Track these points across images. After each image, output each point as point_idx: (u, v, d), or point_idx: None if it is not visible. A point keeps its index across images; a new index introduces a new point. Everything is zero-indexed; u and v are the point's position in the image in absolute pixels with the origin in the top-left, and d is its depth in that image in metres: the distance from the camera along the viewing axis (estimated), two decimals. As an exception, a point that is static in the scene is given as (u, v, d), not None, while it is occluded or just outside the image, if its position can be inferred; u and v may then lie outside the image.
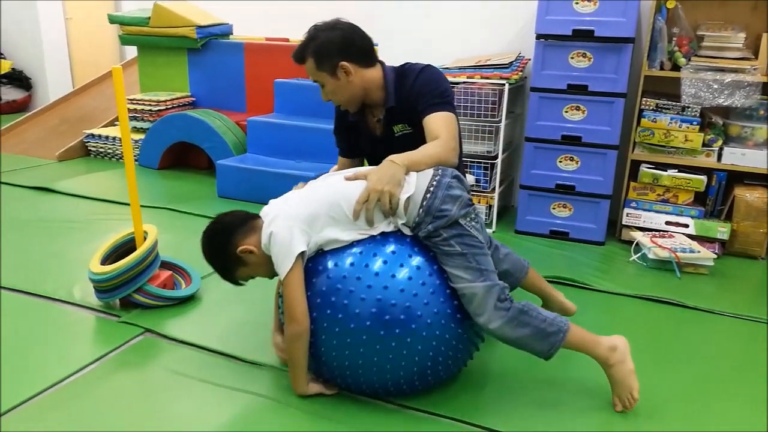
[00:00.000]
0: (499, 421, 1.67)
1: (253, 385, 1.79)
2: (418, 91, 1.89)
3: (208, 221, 1.81)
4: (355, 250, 1.64)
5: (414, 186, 1.66)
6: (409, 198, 1.64)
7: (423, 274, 1.62)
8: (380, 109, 1.99)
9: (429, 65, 1.96)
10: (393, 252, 1.63)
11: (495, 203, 3.23)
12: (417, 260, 1.64)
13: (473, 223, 1.67)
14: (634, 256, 2.91)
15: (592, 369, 1.76)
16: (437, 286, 1.63)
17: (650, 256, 2.80)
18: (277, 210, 1.68)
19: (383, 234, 1.66)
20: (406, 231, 1.68)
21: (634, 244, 2.96)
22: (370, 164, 2.15)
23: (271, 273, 1.72)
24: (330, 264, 1.63)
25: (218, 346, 1.99)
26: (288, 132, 3.74)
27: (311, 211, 1.64)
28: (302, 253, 1.60)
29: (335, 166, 2.17)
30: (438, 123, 1.84)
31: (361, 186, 1.66)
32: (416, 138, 1.91)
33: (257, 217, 1.73)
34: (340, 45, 1.86)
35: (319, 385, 1.75)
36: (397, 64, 2.01)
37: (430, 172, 1.70)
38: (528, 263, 2.10)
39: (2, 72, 6.10)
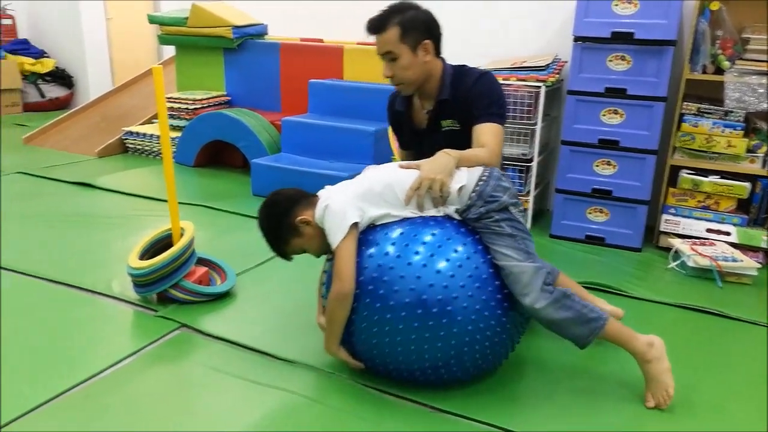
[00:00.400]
0: (528, 421, 1.66)
1: (287, 383, 1.81)
2: (477, 94, 1.93)
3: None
4: (393, 237, 1.69)
5: (466, 178, 1.74)
6: (461, 187, 1.72)
7: (461, 258, 1.66)
8: (430, 102, 2.03)
9: (489, 71, 2.01)
10: (431, 238, 1.67)
11: (530, 207, 3.20)
12: (455, 246, 1.67)
13: (521, 215, 1.76)
14: (673, 264, 2.85)
15: (626, 363, 1.77)
16: (474, 269, 1.66)
17: (690, 264, 2.74)
18: (333, 189, 1.80)
19: (423, 220, 1.72)
20: (455, 216, 1.75)
21: (672, 251, 2.90)
22: (411, 157, 2.17)
23: (322, 248, 1.82)
24: (368, 252, 1.69)
25: (252, 342, 2.01)
26: (322, 132, 3.76)
27: (365, 191, 1.74)
28: (355, 224, 1.68)
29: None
30: (488, 132, 1.89)
31: (414, 174, 1.73)
32: (462, 136, 1.96)
33: (315, 195, 1.83)
34: (428, 24, 1.93)
35: (347, 354, 1.80)
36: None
37: (480, 168, 1.78)
38: (558, 270, 2.09)
39: (46, 70, 6.27)
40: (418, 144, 2.10)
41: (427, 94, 2.03)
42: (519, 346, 1.90)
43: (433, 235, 1.68)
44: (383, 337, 1.67)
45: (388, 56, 1.92)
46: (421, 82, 1.97)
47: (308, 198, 1.82)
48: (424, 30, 1.92)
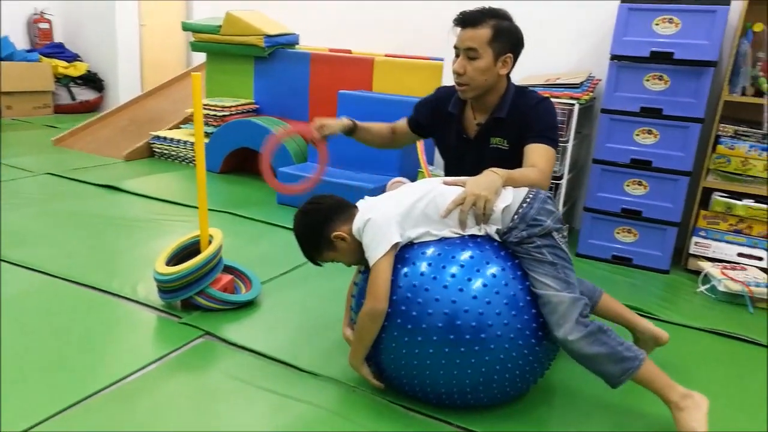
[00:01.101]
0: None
1: (310, 396, 1.78)
2: (536, 116, 1.90)
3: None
4: (429, 256, 1.65)
5: (511, 197, 1.69)
6: (505, 207, 1.68)
7: (498, 284, 1.62)
8: (483, 115, 1.99)
9: (549, 98, 2.00)
10: (468, 260, 1.64)
11: (557, 225, 3.15)
12: (493, 270, 1.63)
13: (564, 240, 1.70)
14: (702, 287, 2.79)
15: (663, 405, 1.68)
16: (511, 297, 1.62)
17: (720, 288, 2.67)
18: (374, 202, 1.77)
19: (461, 240, 1.69)
20: (496, 237, 1.70)
21: (702, 275, 2.83)
22: (447, 165, 2.15)
23: (355, 261, 1.80)
24: (403, 271, 1.66)
25: (276, 353, 1.99)
26: (349, 143, 3.70)
27: (407, 207, 1.70)
28: (396, 244, 1.65)
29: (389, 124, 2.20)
30: (541, 154, 1.85)
31: (458, 190, 1.70)
32: (508, 156, 1.93)
33: (354, 206, 1.79)
34: (518, 40, 1.92)
35: (369, 372, 1.78)
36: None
37: (526, 188, 1.74)
38: (601, 289, 2.05)
39: (79, 74, 6.37)
40: (459, 155, 2.05)
41: (483, 107, 1.98)
42: (550, 371, 1.85)
43: (472, 258, 1.63)
44: (412, 359, 1.64)
45: (470, 53, 1.86)
46: (485, 91, 1.93)
47: (348, 210, 1.78)
48: (513, 44, 1.89)
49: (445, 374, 1.62)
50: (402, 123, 2.18)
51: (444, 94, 2.08)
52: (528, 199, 1.68)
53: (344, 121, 2.05)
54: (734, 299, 2.66)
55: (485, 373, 1.61)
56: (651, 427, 1.75)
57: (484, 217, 1.67)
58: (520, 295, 1.63)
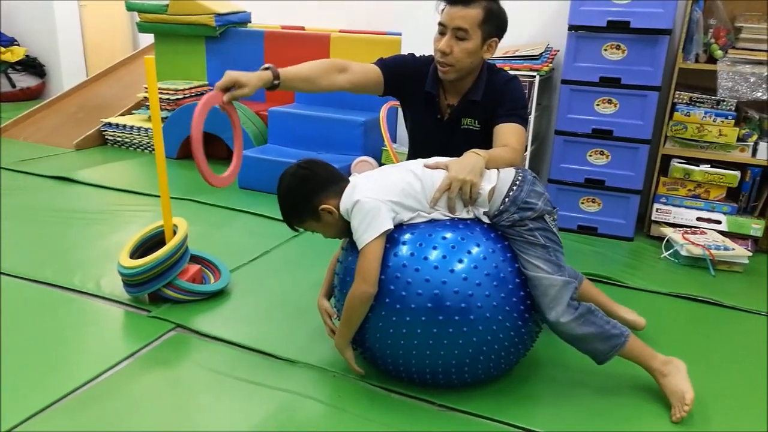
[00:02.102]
0: (548, 421, 1.64)
1: (288, 383, 1.77)
2: (506, 95, 1.89)
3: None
4: (418, 236, 1.63)
5: (496, 178, 1.67)
6: (493, 188, 1.66)
7: (488, 265, 1.61)
8: (455, 96, 1.95)
9: (516, 76, 1.98)
10: (459, 241, 1.62)
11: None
12: (483, 252, 1.62)
13: (555, 223, 1.70)
14: (665, 253, 2.86)
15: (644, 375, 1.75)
16: (501, 279, 1.62)
17: (683, 253, 2.75)
18: (365, 180, 1.69)
19: (449, 222, 1.67)
20: (485, 219, 1.69)
21: (665, 241, 2.91)
22: (414, 142, 2.09)
23: (336, 235, 1.76)
24: (392, 251, 1.63)
25: (250, 342, 1.96)
26: (309, 122, 3.69)
27: (400, 191, 1.64)
28: (387, 230, 1.61)
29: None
30: (513, 132, 1.84)
31: (442, 174, 1.66)
32: (479, 137, 1.92)
33: (346, 179, 1.72)
34: (504, 24, 1.88)
35: (353, 356, 1.75)
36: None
37: (512, 168, 1.72)
38: (582, 275, 2.08)
39: (17, 59, 6.06)
40: (429, 134, 2.02)
41: (456, 89, 1.94)
42: (537, 345, 1.87)
43: (462, 239, 1.62)
44: (399, 339, 1.63)
45: (458, 33, 1.80)
46: (465, 74, 1.89)
47: (339, 183, 1.70)
48: (500, 28, 1.86)
49: (432, 354, 1.62)
50: (367, 67, 1.96)
51: (422, 65, 1.98)
52: (517, 182, 1.67)
53: (262, 75, 1.75)
54: (696, 263, 2.74)
55: (471, 353, 1.62)
56: (636, 388, 1.79)
57: (470, 200, 1.65)
58: (510, 278, 1.63)
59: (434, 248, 1.60)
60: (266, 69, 1.77)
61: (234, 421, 1.61)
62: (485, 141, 1.88)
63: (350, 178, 1.72)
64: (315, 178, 1.70)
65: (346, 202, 1.65)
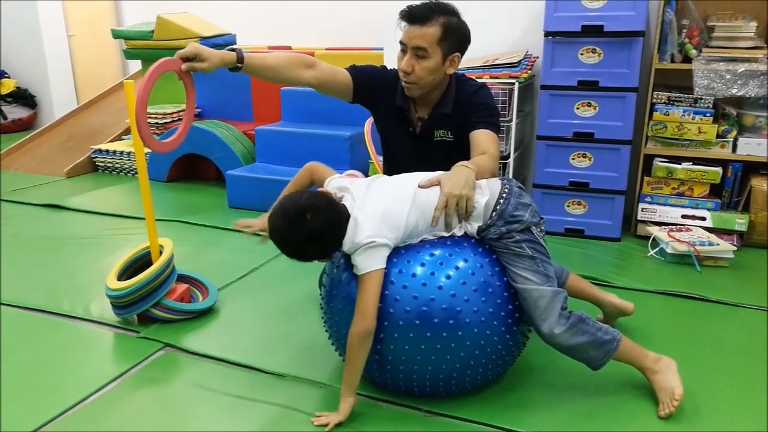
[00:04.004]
0: (540, 423, 1.65)
1: (278, 397, 1.77)
2: (477, 103, 1.90)
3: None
4: (402, 255, 1.63)
5: (489, 191, 1.67)
6: (488, 201, 1.65)
7: (472, 279, 1.61)
8: (426, 109, 1.96)
9: (485, 84, 1.99)
10: (441, 261, 1.62)
11: (508, 203, 3.20)
12: (464, 265, 1.62)
13: (542, 234, 1.70)
14: (652, 251, 2.88)
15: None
16: (481, 283, 1.62)
17: (668, 250, 2.77)
18: (363, 218, 1.59)
19: (431, 242, 1.66)
20: (474, 235, 1.68)
21: (651, 239, 2.93)
22: (386, 154, 2.11)
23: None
24: None
25: (239, 358, 1.97)
26: (296, 140, 3.72)
27: (396, 222, 1.60)
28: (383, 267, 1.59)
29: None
30: (488, 139, 1.85)
31: (437, 192, 1.64)
32: (454, 147, 1.92)
33: (348, 213, 1.62)
34: (465, 38, 1.88)
35: (351, 407, 1.66)
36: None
37: (498, 180, 1.71)
38: (568, 270, 2.10)
39: (7, 91, 6.12)
40: (402, 147, 2.03)
41: (426, 102, 1.95)
42: (527, 350, 1.87)
43: (450, 255, 1.62)
44: (387, 355, 1.63)
45: (418, 52, 1.80)
46: (430, 89, 1.90)
47: (346, 226, 1.60)
48: (461, 43, 1.86)
49: (419, 368, 1.63)
50: (337, 69, 1.93)
51: (392, 79, 1.97)
52: (504, 195, 1.66)
53: (225, 55, 1.74)
54: (682, 260, 2.76)
55: (458, 366, 1.62)
56: (626, 387, 1.80)
57: (466, 215, 1.65)
58: (498, 291, 1.63)
59: (422, 265, 1.60)
60: (232, 50, 1.78)
61: (223, 435, 1.62)
62: (460, 151, 1.89)
63: (352, 213, 1.62)
64: (339, 209, 1.61)
65: (348, 241, 1.59)
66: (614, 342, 1.69)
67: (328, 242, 1.61)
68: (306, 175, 1.91)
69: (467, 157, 1.83)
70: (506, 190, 1.67)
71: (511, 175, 3.16)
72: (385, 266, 1.58)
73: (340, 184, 1.74)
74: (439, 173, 1.69)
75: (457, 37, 1.84)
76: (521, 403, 1.76)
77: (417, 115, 1.99)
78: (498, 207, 1.64)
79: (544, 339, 1.66)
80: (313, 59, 1.91)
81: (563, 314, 1.63)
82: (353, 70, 1.97)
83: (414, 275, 1.59)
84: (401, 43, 1.85)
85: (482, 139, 1.85)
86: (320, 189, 1.76)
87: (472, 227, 1.66)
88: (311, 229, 1.56)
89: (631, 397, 1.76)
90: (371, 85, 1.98)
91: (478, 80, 2.02)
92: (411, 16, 1.80)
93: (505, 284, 1.65)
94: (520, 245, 1.63)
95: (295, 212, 1.57)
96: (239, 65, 1.77)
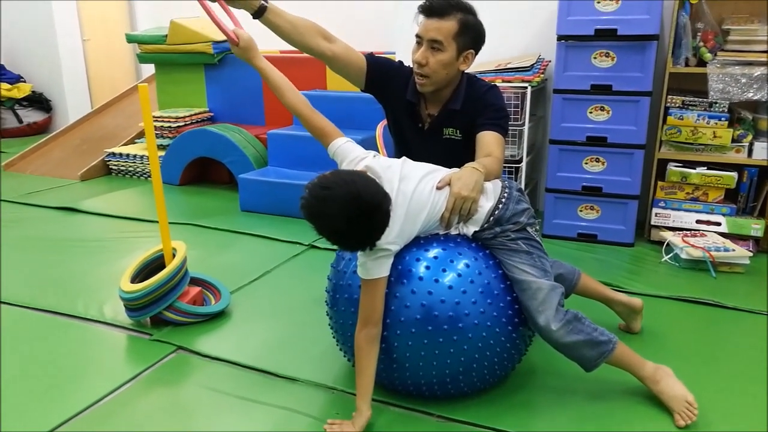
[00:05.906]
0: (543, 427, 1.64)
1: (289, 401, 1.77)
2: (486, 104, 1.91)
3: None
4: (401, 252, 1.63)
5: (494, 197, 1.68)
6: (491, 207, 1.67)
7: (472, 273, 1.62)
8: (436, 106, 1.97)
9: (496, 85, 1.99)
10: (437, 256, 1.63)
11: (520, 207, 3.19)
12: (463, 263, 1.62)
13: (538, 232, 1.72)
14: (666, 257, 2.85)
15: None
16: (485, 285, 1.62)
17: (683, 256, 2.74)
18: (395, 217, 1.54)
19: (426, 238, 1.67)
20: (466, 235, 1.69)
21: (665, 245, 2.90)
22: (397, 148, 2.11)
23: None
24: None
25: (251, 361, 1.97)
26: (308, 143, 3.70)
27: (411, 231, 1.61)
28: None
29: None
30: (495, 141, 1.86)
31: (446, 194, 1.64)
32: (462, 146, 1.94)
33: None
34: (481, 36, 1.89)
35: (366, 421, 1.62)
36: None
37: (500, 184, 1.73)
38: (580, 270, 2.09)
39: (22, 95, 6.19)
40: (410, 142, 2.03)
41: (436, 99, 1.96)
42: (530, 352, 1.87)
43: (444, 249, 1.63)
44: (391, 353, 1.64)
45: (434, 45, 1.82)
46: (442, 85, 1.91)
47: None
48: (476, 40, 1.87)
49: (425, 365, 1.63)
50: (353, 50, 1.94)
51: (406, 73, 1.97)
52: (503, 200, 1.68)
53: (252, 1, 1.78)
54: (697, 265, 2.73)
55: (464, 362, 1.62)
56: (628, 392, 1.79)
57: (466, 217, 1.65)
58: (495, 284, 1.64)
59: (418, 260, 1.62)
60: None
61: (234, 439, 1.62)
62: (468, 150, 1.90)
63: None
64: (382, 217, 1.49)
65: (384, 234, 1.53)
66: (610, 344, 1.68)
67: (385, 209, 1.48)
68: (318, 117, 1.80)
69: (474, 157, 1.84)
70: (505, 194, 1.69)
71: (523, 180, 3.14)
72: (387, 273, 1.58)
73: (370, 165, 1.65)
74: (450, 172, 1.70)
75: (472, 35, 1.86)
76: (524, 405, 1.76)
77: (427, 112, 2.00)
78: (496, 212, 1.67)
79: (540, 333, 1.66)
80: (333, 35, 1.91)
81: (560, 309, 1.64)
82: (370, 57, 1.99)
83: (411, 270, 1.60)
84: (417, 36, 1.87)
85: (488, 140, 1.86)
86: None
87: (468, 230, 1.68)
88: (370, 193, 1.45)
89: (634, 401, 1.75)
90: (384, 75, 1.99)
91: (490, 81, 2.02)
92: (429, 9, 1.83)
93: (502, 276, 1.66)
94: (515, 242, 1.67)
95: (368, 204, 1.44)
96: (264, 5, 1.79)
